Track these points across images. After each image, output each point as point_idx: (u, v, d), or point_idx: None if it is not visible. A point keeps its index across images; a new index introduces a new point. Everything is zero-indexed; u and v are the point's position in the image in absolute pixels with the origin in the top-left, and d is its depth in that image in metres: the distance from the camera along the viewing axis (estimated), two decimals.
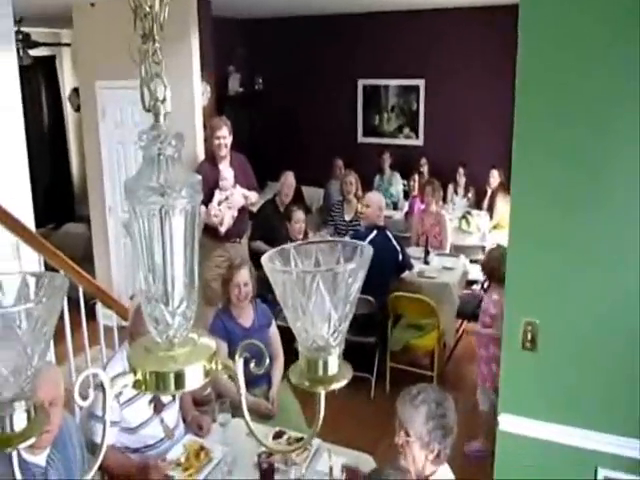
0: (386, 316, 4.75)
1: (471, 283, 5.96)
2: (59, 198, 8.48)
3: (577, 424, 2.56)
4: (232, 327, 3.38)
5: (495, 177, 6.84)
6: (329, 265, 0.78)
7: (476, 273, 5.95)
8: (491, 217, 6.81)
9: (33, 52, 6.66)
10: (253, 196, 5.05)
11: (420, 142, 7.91)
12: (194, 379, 0.76)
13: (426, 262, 5.32)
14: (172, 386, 0.74)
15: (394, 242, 4.85)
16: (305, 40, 7.84)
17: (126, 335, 2.81)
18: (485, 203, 6.99)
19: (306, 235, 5.23)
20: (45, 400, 1.88)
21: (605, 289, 2.46)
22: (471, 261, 5.89)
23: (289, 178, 5.78)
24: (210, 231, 4.85)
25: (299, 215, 5.01)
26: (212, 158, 4.94)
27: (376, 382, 4.76)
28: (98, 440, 2.32)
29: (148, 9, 0.75)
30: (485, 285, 4.45)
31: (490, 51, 7.00)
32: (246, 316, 3.47)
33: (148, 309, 0.76)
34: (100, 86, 5.42)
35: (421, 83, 7.72)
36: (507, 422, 2.68)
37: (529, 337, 2.59)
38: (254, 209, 5.50)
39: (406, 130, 8.01)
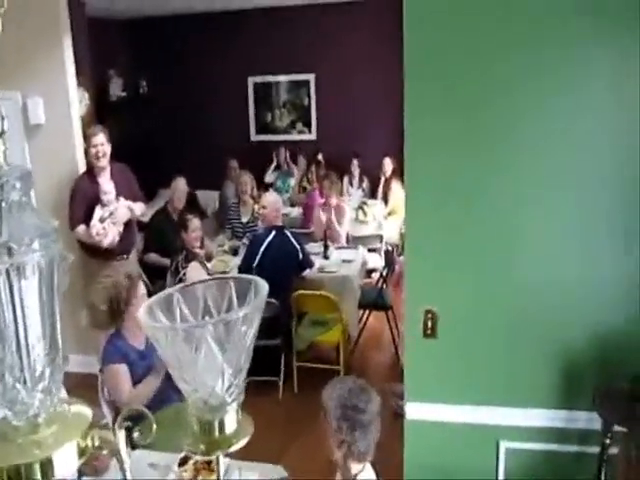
0: (290, 316, 4.71)
1: (370, 272, 6.05)
2: None
3: (479, 402, 2.65)
4: (127, 350, 3.16)
5: (388, 164, 6.99)
6: (219, 307, 0.70)
7: (375, 262, 6.07)
8: (386, 204, 6.96)
9: None
10: (139, 208, 4.74)
11: (313, 136, 7.92)
12: (67, 463, 0.65)
13: (326, 257, 5.32)
14: (39, 477, 0.63)
15: (294, 241, 4.81)
16: (191, 39, 7.61)
17: None
18: (380, 191, 7.12)
19: (202, 244, 5.07)
20: None
21: (498, 273, 2.53)
22: (369, 250, 5.99)
23: (180, 184, 5.60)
24: (93, 250, 4.52)
25: (195, 223, 4.82)
26: (90, 171, 4.59)
27: (284, 383, 4.71)
28: None
29: None
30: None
31: (376, 43, 7.10)
32: (138, 337, 3.25)
33: (2, 388, 0.65)
34: None
35: (311, 77, 7.72)
36: (413, 410, 2.72)
37: (429, 325, 2.64)
38: (144, 219, 5.24)
39: (299, 125, 7.99)
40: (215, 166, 7.21)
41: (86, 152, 4.63)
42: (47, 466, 0.64)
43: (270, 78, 7.83)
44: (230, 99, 7.89)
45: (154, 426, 0.68)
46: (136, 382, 3.11)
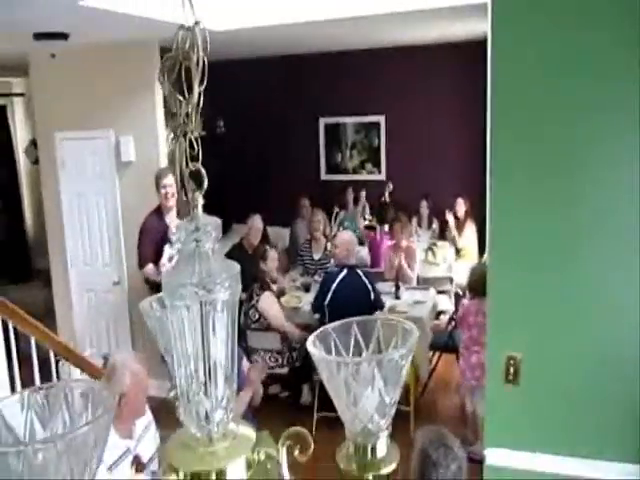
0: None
1: (439, 314, 6.02)
2: (14, 254, 8.27)
3: (565, 453, 2.59)
4: None
5: (461, 205, 6.96)
6: (372, 344, 0.78)
7: (444, 304, 6.04)
8: (456, 245, 6.93)
9: None
10: None
11: (383, 177, 8.01)
12: (236, 474, 0.74)
13: (397, 297, 5.35)
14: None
15: (365, 280, 4.87)
16: (265, 81, 7.92)
17: None
18: (450, 232, 7.10)
19: (276, 277, 5.22)
20: None
21: (582, 323, 2.51)
22: (439, 292, 5.97)
23: (256, 221, 5.78)
24: (160, 289, 4.63)
25: (273, 254, 4.99)
26: (158, 210, 4.70)
27: None
28: None
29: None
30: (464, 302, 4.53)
31: (446, 85, 7.21)
32: None
33: (187, 405, 0.74)
34: (60, 137, 5.28)
35: (381, 119, 7.86)
36: (493, 456, 2.69)
37: (511, 371, 2.62)
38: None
39: (368, 166, 8.12)
40: (286, 204, 7.40)
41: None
42: (221, 475, 0.72)
43: (341, 119, 8.02)
44: (302, 139, 8.13)
45: (312, 446, 0.76)
46: None
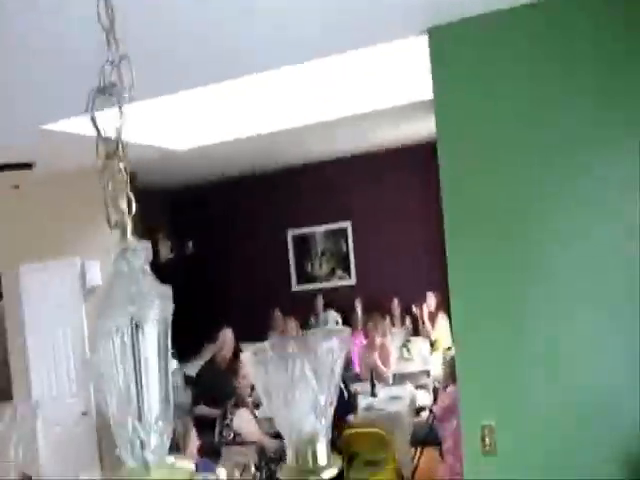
0: (341, 456, 4.58)
1: (419, 411, 5.91)
2: None
3: None
4: None
5: (432, 299, 7.06)
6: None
7: (423, 399, 5.96)
8: (430, 339, 6.94)
9: None
10: (172, 364, 4.84)
11: (353, 282, 8.12)
12: None
13: (373, 395, 5.29)
14: None
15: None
16: (232, 200, 8.17)
17: None
18: (423, 326, 7.15)
19: (252, 391, 5.11)
20: None
21: (556, 385, 2.54)
22: (417, 387, 5.92)
23: (227, 335, 5.73)
24: None
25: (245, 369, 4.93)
26: None
27: None
28: None
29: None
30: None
31: (409, 187, 7.51)
32: None
33: (121, 432, 0.75)
34: (24, 270, 5.24)
35: (348, 225, 8.09)
36: None
37: (487, 441, 2.60)
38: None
39: (339, 272, 8.24)
40: (259, 318, 7.38)
41: None
42: None
43: (308, 229, 8.22)
44: (272, 252, 8.26)
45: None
46: None
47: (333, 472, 0.78)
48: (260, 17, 2.39)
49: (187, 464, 0.80)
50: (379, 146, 7.33)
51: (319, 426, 0.79)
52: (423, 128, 6.02)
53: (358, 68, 3.64)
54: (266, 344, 0.83)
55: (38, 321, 5.22)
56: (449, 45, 2.65)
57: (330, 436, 0.81)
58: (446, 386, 4.46)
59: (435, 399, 5.41)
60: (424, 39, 2.69)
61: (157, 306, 0.75)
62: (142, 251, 0.78)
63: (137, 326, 0.75)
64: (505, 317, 2.59)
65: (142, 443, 0.75)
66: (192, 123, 4.47)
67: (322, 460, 0.79)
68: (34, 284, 5.22)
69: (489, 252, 2.60)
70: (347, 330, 0.83)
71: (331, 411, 0.80)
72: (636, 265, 2.41)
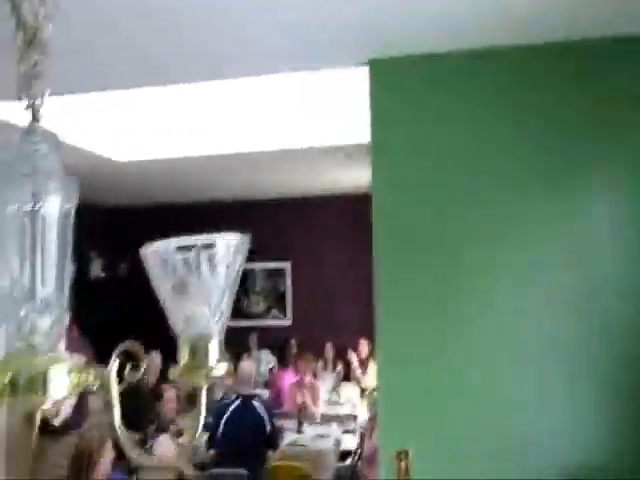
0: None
1: (345, 456, 5.85)
2: None
3: None
4: None
5: (364, 346, 7.12)
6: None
7: (349, 443, 5.89)
8: (361, 386, 6.94)
9: None
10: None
11: (288, 322, 8.12)
12: (59, 384, 0.72)
13: (299, 431, 5.23)
14: (37, 387, 0.70)
15: (260, 412, 4.72)
16: (168, 226, 8.05)
17: None
18: (355, 373, 7.16)
19: (175, 418, 4.99)
20: None
21: (474, 414, 2.57)
22: (344, 432, 5.86)
23: (155, 358, 5.63)
24: (41, 426, 4.31)
25: (170, 394, 4.80)
26: None
27: None
28: None
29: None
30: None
31: (348, 232, 7.66)
32: None
33: (11, 310, 0.73)
34: None
35: (287, 266, 8.14)
36: None
37: (402, 466, 2.61)
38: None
39: (274, 311, 8.22)
40: None
41: None
42: (42, 379, 0.71)
43: (247, 266, 8.18)
44: None
45: (144, 365, 0.78)
46: None
47: (224, 367, 0.80)
48: (190, 30, 2.34)
49: (80, 358, 0.80)
50: (318, 193, 7.53)
51: (212, 324, 0.81)
52: (361, 178, 6.24)
53: (297, 99, 3.70)
54: (171, 241, 0.84)
55: None
56: (389, 79, 2.68)
57: (222, 337, 0.83)
58: (372, 428, 4.45)
59: (362, 442, 5.38)
60: (365, 72, 2.68)
61: (60, 192, 0.74)
62: (52, 137, 0.77)
63: (36, 206, 0.72)
64: (427, 350, 2.64)
65: (32, 324, 0.74)
66: (135, 135, 4.46)
67: (214, 358, 0.80)
68: None
69: (416, 283, 2.66)
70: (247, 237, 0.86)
71: (226, 312, 0.82)
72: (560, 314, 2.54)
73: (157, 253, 0.79)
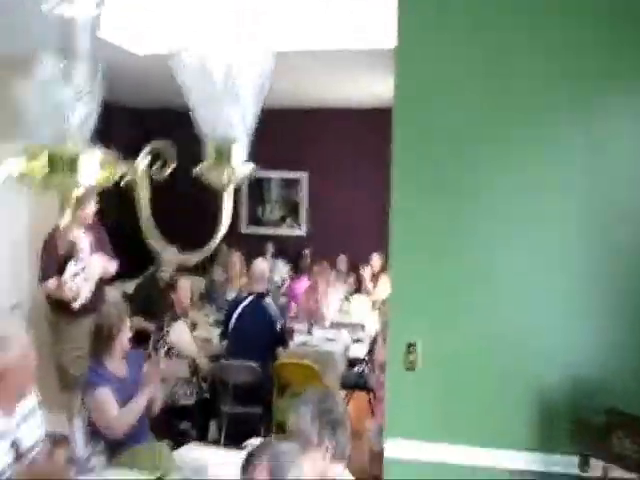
0: (271, 385, 4.67)
1: (353, 363, 6.01)
2: None
3: (456, 441, 2.62)
4: (109, 377, 3.21)
5: (377, 260, 7.18)
6: None
7: (358, 351, 6.06)
8: (372, 298, 7.05)
9: None
10: (112, 266, 4.68)
11: (302, 232, 8.19)
12: (90, 169, 0.74)
13: (309, 333, 5.37)
14: (64, 169, 0.72)
15: (270, 310, 4.84)
16: (189, 132, 8.05)
17: None
18: (366, 286, 7.25)
19: (189, 307, 5.12)
20: None
21: (478, 314, 2.62)
22: (353, 341, 6.00)
23: (169, 252, 5.69)
24: (62, 307, 4.42)
25: (184, 282, 4.92)
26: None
27: None
28: None
29: None
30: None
31: (366, 145, 7.58)
32: (121, 367, 3.32)
33: (49, 99, 0.74)
34: None
35: (303, 176, 8.12)
36: (392, 447, 2.68)
37: (410, 358, 2.68)
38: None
39: (289, 220, 8.28)
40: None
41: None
42: (73, 162, 0.73)
43: (264, 174, 8.18)
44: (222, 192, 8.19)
45: (172, 164, 0.79)
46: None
47: (247, 168, 0.80)
48: None
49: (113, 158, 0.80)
50: (342, 103, 7.40)
51: (238, 128, 0.80)
52: (382, 91, 6.11)
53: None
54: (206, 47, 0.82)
55: None
56: None
57: (249, 143, 0.83)
58: (385, 337, 4.53)
59: (370, 352, 5.51)
60: None
61: None
62: None
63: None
64: (442, 241, 2.65)
65: (68, 107, 0.75)
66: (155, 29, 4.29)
67: (238, 160, 0.81)
68: None
69: (432, 194, 2.65)
70: None
71: (251, 121, 0.82)
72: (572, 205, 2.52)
73: (192, 58, 0.77)
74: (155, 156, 0.81)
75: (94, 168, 0.75)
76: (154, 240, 0.85)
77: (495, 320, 2.62)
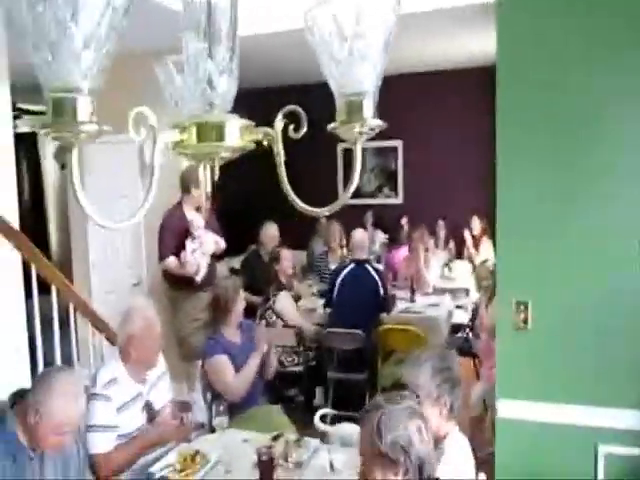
0: (376, 351, 4.72)
1: (456, 329, 5.97)
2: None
3: (574, 401, 2.57)
4: (227, 345, 3.41)
5: (477, 223, 7.05)
6: None
7: (461, 317, 6.00)
8: (474, 263, 6.94)
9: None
10: (222, 242, 4.92)
11: (400, 200, 8.14)
12: (233, 134, 0.80)
13: (412, 300, 5.36)
14: (211, 136, 0.78)
15: (374, 275, 4.87)
16: (283, 106, 8.15)
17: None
18: (468, 249, 7.15)
19: (293, 278, 5.25)
20: None
21: (591, 269, 2.53)
22: (456, 307, 5.95)
23: (270, 228, 5.80)
24: (180, 282, 4.68)
25: (286, 253, 5.05)
26: (179, 205, 4.79)
27: None
28: (94, 451, 2.30)
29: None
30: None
31: (462, 108, 7.39)
32: (235, 335, 3.52)
33: (191, 72, 0.81)
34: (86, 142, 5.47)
35: (399, 144, 8.04)
36: (505, 408, 2.67)
37: (521, 317, 2.63)
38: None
39: (386, 189, 8.25)
40: (302, 228, 7.45)
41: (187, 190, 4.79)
42: (219, 129, 0.79)
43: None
44: (320, 165, 8.28)
45: (305, 123, 0.83)
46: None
47: (377, 122, 0.83)
48: None
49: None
50: (435, 67, 7.24)
51: (368, 82, 0.83)
52: (480, 49, 5.89)
53: None
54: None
55: (97, 192, 5.41)
56: None
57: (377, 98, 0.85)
58: (488, 298, 4.45)
59: (473, 318, 5.44)
60: None
61: None
62: None
63: None
64: (550, 197, 2.58)
65: (211, 79, 0.80)
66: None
67: (368, 112, 0.83)
68: (95, 156, 5.39)
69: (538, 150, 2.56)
70: None
71: (379, 77, 0.84)
72: None
73: (324, 16, 0.79)
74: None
75: (237, 134, 0.81)
76: (291, 198, 0.90)
77: (609, 276, 2.52)
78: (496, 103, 2.61)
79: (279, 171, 0.86)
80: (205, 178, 0.84)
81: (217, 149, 0.81)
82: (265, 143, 0.84)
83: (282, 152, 0.86)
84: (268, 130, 0.84)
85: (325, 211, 0.87)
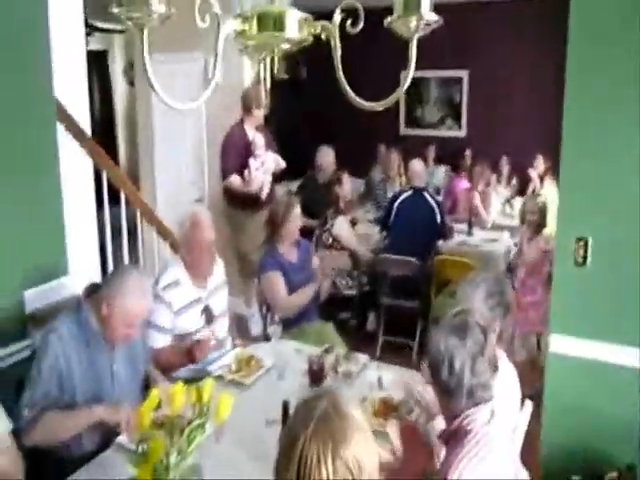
0: (429, 281, 4.75)
1: (512, 268, 5.89)
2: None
3: (625, 342, 2.56)
4: (282, 262, 3.48)
5: (541, 162, 6.85)
6: None
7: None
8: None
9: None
10: (282, 162, 5.01)
11: (463, 133, 7.95)
12: (293, 26, 0.83)
13: (469, 233, 5.34)
14: (272, 26, 0.82)
15: (431, 202, 4.85)
16: (346, 33, 7.98)
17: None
18: (530, 189, 6.98)
19: (352, 200, 5.28)
20: None
21: None
22: (515, 245, 5.86)
23: (327, 153, 5.71)
24: (241, 201, 4.81)
25: (347, 178, 5.06)
26: (240, 123, 4.84)
27: (419, 349, 4.72)
28: (154, 345, 2.42)
29: None
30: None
31: (531, 41, 7.05)
32: (292, 253, 3.58)
33: None
34: (155, 59, 5.55)
35: (464, 74, 7.78)
36: (557, 343, 2.69)
37: (581, 253, 2.61)
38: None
39: (448, 121, 8.06)
40: (362, 155, 7.41)
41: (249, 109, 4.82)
42: (280, 20, 0.82)
43: (422, 73, 7.93)
44: (382, 92, 8.10)
45: (362, 21, 0.85)
46: (290, 292, 3.40)
47: (434, 16, 0.84)
48: None
49: None
50: None
51: None
52: None
53: None
54: None
55: (163, 109, 5.53)
56: None
57: None
58: (535, 232, 4.34)
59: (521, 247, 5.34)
60: None
61: None
62: None
63: None
64: (614, 134, 2.51)
65: None
66: None
67: (425, 9, 0.85)
68: (161, 73, 5.44)
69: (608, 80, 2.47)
70: None
71: None
72: None
73: None
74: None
75: (297, 26, 0.84)
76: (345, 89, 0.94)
77: None
78: (568, 36, 2.51)
79: (335, 63, 0.89)
80: (265, 73, 0.88)
81: (277, 39, 0.84)
82: (323, 37, 0.87)
83: (339, 45, 0.88)
84: (326, 24, 0.87)
85: (379, 105, 0.90)
